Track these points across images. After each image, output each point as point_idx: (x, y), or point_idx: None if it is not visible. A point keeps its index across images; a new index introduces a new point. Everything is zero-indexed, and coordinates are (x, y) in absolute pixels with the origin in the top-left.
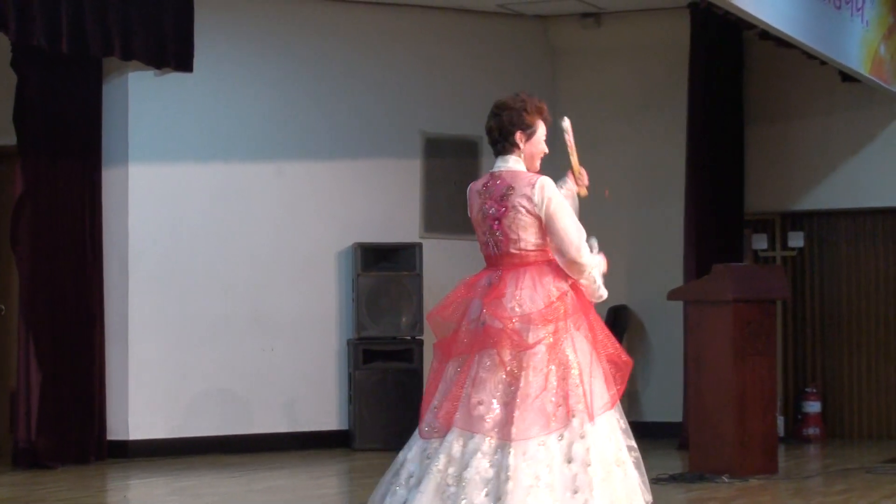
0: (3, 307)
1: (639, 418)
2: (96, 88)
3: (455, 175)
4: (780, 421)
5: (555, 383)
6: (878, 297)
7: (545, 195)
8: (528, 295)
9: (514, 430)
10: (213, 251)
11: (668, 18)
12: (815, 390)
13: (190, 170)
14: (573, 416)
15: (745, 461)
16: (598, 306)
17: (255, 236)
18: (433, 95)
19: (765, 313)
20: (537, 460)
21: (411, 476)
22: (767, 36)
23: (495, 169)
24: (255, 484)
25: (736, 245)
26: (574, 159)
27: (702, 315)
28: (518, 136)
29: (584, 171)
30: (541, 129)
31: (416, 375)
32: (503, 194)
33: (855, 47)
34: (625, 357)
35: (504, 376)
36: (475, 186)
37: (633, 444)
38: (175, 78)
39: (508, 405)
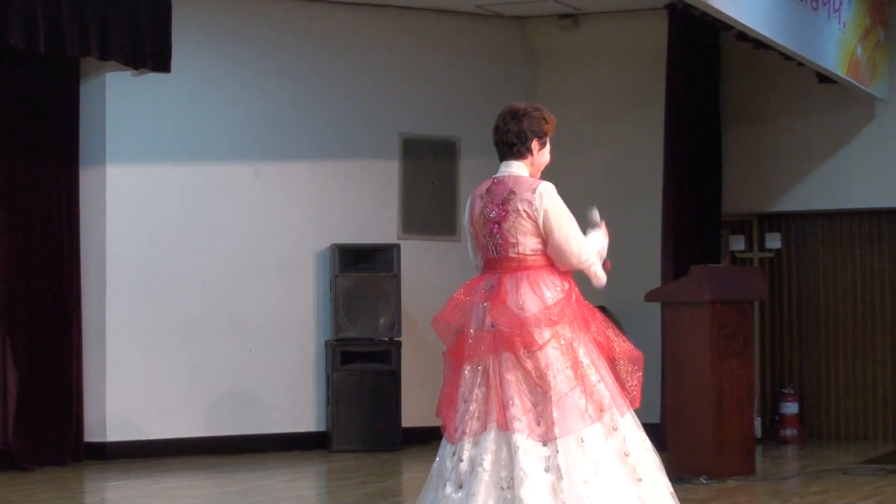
0: None
1: None
2: (73, 89)
3: (433, 176)
4: (758, 422)
5: (577, 381)
6: (856, 298)
7: (545, 201)
8: (529, 297)
9: (556, 429)
10: (191, 252)
11: (645, 20)
12: (792, 391)
13: (167, 170)
14: (605, 410)
15: (723, 462)
16: None
17: (232, 237)
18: (411, 96)
19: (742, 314)
20: (582, 455)
21: (447, 481)
22: (745, 37)
23: (498, 174)
24: (233, 486)
25: (713, 246)
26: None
27: (679, 316)
28: (534, 143)
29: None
30: (548, 142)
31: (394, 377)
32: (504, 198)
33: (832, 49)
34: (637, 352)
35: (525, 377)
36: (478, 190)
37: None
38: (152, 78)
39: (539, 405)
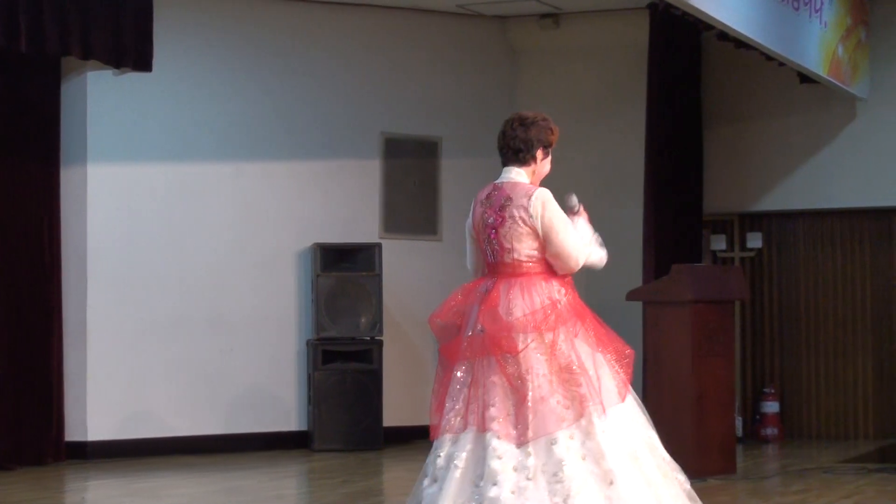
0: None
1: None
2: (55, 88)
3: (415, 175)
4: (739, 421)
5: (559, 386)
6: (836, 297)
7: (541, 207)
8: (518, 303)
9: (529, 432)
10: (172, 251)
11: (626, 19)
12: (773, 391)
13: (149, 170)
14: (583, 414)
15: (704, 461)
16: None
17: (214, 236)
18: (393, 95)
19: (723, 314)
20: (553, 458)
21: (426, 476)
22: (726, 37)
23: (499, 180)
24: (214, 485)
25: (695, 246)
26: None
27: (660, 316)
28: (539, 151)
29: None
30: (550, 153)
31: (376, 376)
32: (502, 205)
33: (813, 48)
34: (628, 349)
35: (506, 381)
36: (479, 196)
37: (654, 433)
38: (134, 78)
39: (518, 408)
